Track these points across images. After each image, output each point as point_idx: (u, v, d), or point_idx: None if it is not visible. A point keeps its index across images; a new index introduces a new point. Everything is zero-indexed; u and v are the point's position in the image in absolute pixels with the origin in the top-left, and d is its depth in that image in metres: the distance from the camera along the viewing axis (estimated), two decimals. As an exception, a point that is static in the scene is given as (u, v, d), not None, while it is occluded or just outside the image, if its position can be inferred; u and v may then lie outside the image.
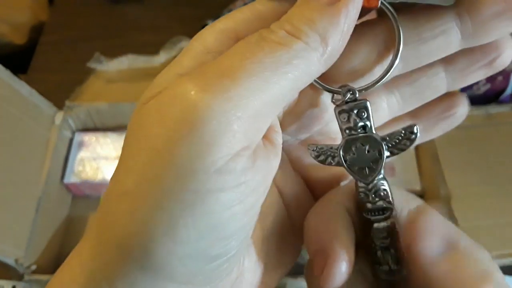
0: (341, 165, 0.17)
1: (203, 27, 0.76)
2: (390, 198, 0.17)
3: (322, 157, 0.17)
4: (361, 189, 0.17)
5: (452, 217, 0.49)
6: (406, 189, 0.58)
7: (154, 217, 0.13)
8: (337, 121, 0.17)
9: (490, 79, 0.57)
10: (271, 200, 0.19)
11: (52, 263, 0.54)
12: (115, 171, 0.15)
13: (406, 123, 0.19)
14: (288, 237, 0.19)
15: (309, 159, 0.19)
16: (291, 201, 0.19)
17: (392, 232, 0.17)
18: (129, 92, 0.62)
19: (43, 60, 0.73)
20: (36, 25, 0.80)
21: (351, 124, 0.17)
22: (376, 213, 0.17)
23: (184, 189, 0.13)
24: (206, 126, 0.13)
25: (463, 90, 0.59)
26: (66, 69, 0.70)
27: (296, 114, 0.18)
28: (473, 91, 0.60)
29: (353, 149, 0.16)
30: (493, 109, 0.56)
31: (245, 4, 0.75)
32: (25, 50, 0.78)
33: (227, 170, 0.13)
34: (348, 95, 0.16)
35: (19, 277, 0.47)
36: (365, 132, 0.16)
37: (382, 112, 0.19)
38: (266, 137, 0.16)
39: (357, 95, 0.16)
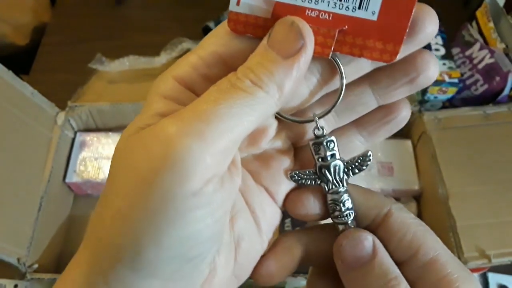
0: (318, 185, 0.22)
1: (203, 28, 0.77)
2: (352, 205, 0.22)
3: (302, 181, 0.22)
4: (330, 201, 0.22)
5: (450, 216, 0.50)
6: (404, 188, 0.59)
7: (144, 230, 0.17)
8: (311, 152, 0.22)
9: (488, 79, 0.58)
10: (240, 207, 0.22)
11: (54, 262, 0.55)
12: (103, 194, 0.18)
13: (352, 131, 0.23)
14: (256, 240, 0.22)
15: (266, 172, 0.22)
16: (255, 209, 0.22)
17: None
18: (130, 92, 0.62)
19: (45, 61, 0.74)
20: (38, 26, 0.81)
21: (322, 155, 0.22)
22: (343, 218, 0.22)
23: (168, 209, 0.16)
24: (185, 161, 0.16)
25: (461, 90, 0.60)
26: (68, 70, 0.70)
27: None
28: (470, 92, 0.60)
29: (324, 171, 0.22)
30: (491, 109, 0.56)
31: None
32: (27, 51, 0.78)
33: (201, 193, 0.17)
34: (316, 131, 0.21)
35: (21, 276, 0.48)
36: (334, 159, 0.22)
37: (320, 124, 0.23)
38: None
39: (324, 132, 0.21)
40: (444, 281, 0.19)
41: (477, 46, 0.59)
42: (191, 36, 0.65)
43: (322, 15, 0.19)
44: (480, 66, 0.58)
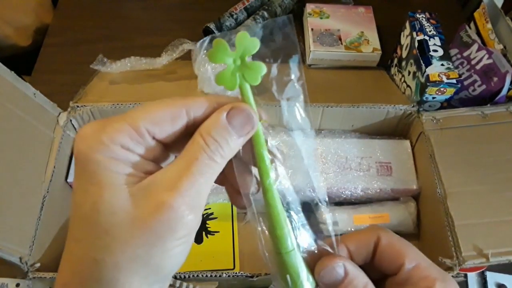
0: None
1: (204, 29, 0.77)
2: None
3: None
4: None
5: (448, 216, 0.50)
6: (403, 188, 0.59)
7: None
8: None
9: (486, 80, 0.58)
10: None
11: (56, 261, 0.55)
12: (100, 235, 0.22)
13: None
14: None
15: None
16: None
17: None
18: (132, 93, 0.63)
19: (47, 62, 0.74)
20: (40, 27, 0.81)
21: None
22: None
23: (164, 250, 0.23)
24: (181, 223, 0.23)
25: (459, 91, 0.60)
26: (70, 70, 0.70)
27: None
28: (468, 92, 0.60)
29: None
30: (489, 109, 0.57)
31: (245, 7, 0.75)
32: (29, 52, 0.79)
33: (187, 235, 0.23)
34: None
35: (23, 275, 0.48)
36: None
37: None
38: None
39: None
40: (427, 279, 0.26)
41: (475, 47, 0.60)
42: (191, 37, 0.65)
43: None
44: (478, 66, 0.59)
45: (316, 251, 0.28)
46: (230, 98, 0.26)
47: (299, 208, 0.27)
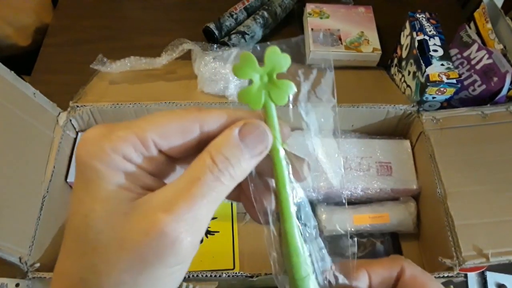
0: None
1: (204, 29, 0.77)
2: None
3: None
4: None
5: (448, 216, 0.50)
6: (403, 188, 0.59)
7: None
8: None
9: (486, 80, 0.58)
10: None
11: (55, 261, 0.55)
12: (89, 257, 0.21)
13: None
14: None
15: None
16: None
17: None
18: (132, 93, 0.63)
19: (47, 61, 0.74)
20: (40, 27, 0.81)
21: None
22: None
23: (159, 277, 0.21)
24: (176, 247, 0.20)
25: (459, 91, 0.60)
26: (70, 70, 0.70)
27: None
28: (468, 92, 0.60)
29: None
30: (489, 109, 0.57)
31: (245, 7, 0.75)
32: (29, 52, 0.79)
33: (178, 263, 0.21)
34: None
35: (23, 275, 0.48)
36: None
37: None
38: None
39: None
40: None
41: (475, 47, 0.60)
42: (191, 37, 0.65)
43: None
44: (478, 66, 0.59)
45: (332, 278, 0.26)
46: (249, 113, 0.24)
47: (317, 233, 0.25)
